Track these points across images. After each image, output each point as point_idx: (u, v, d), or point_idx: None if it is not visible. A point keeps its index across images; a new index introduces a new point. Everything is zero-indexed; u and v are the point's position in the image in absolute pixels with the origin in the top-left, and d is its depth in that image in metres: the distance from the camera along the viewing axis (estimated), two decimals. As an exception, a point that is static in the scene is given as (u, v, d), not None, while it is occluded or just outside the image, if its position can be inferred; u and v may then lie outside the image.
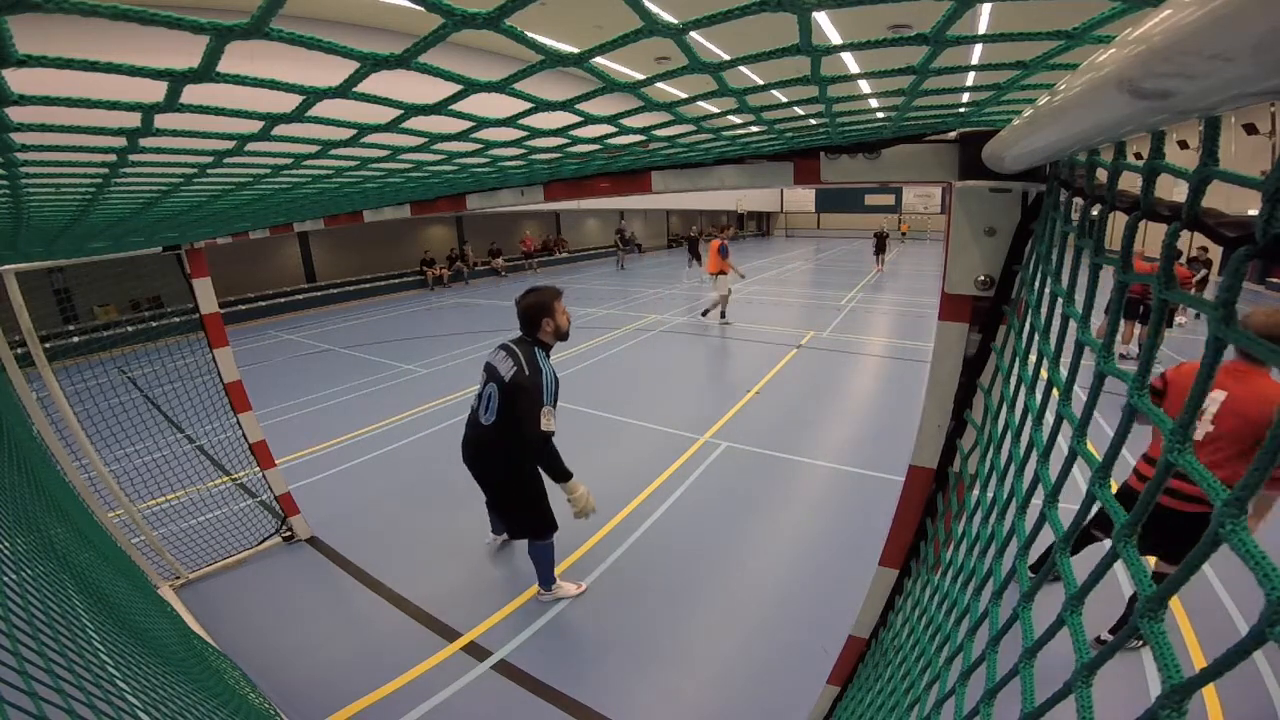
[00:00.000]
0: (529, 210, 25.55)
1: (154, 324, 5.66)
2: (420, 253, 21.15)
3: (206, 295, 4.32)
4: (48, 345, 3.87)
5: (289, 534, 4.91)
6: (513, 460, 3.63)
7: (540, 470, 3.65)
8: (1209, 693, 3.06)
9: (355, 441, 7.06)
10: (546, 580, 4.07)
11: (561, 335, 3.67)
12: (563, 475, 3.53)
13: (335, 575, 4.48)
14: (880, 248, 22.23)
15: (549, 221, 27.72)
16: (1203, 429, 2.86)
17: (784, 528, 4.96)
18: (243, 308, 15.37)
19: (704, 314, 13.49)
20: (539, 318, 3.56)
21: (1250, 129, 16.26)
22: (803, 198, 42.04)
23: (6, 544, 1.51)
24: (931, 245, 34.83)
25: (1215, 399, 2.84)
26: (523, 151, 1.20)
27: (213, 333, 4.42)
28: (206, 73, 0.48)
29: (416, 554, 4.72)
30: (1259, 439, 2.72)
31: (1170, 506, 2.91)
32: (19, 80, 0.47)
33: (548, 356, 3.53)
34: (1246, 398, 2.77)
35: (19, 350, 3.64)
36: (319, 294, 17.76)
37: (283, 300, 16.74)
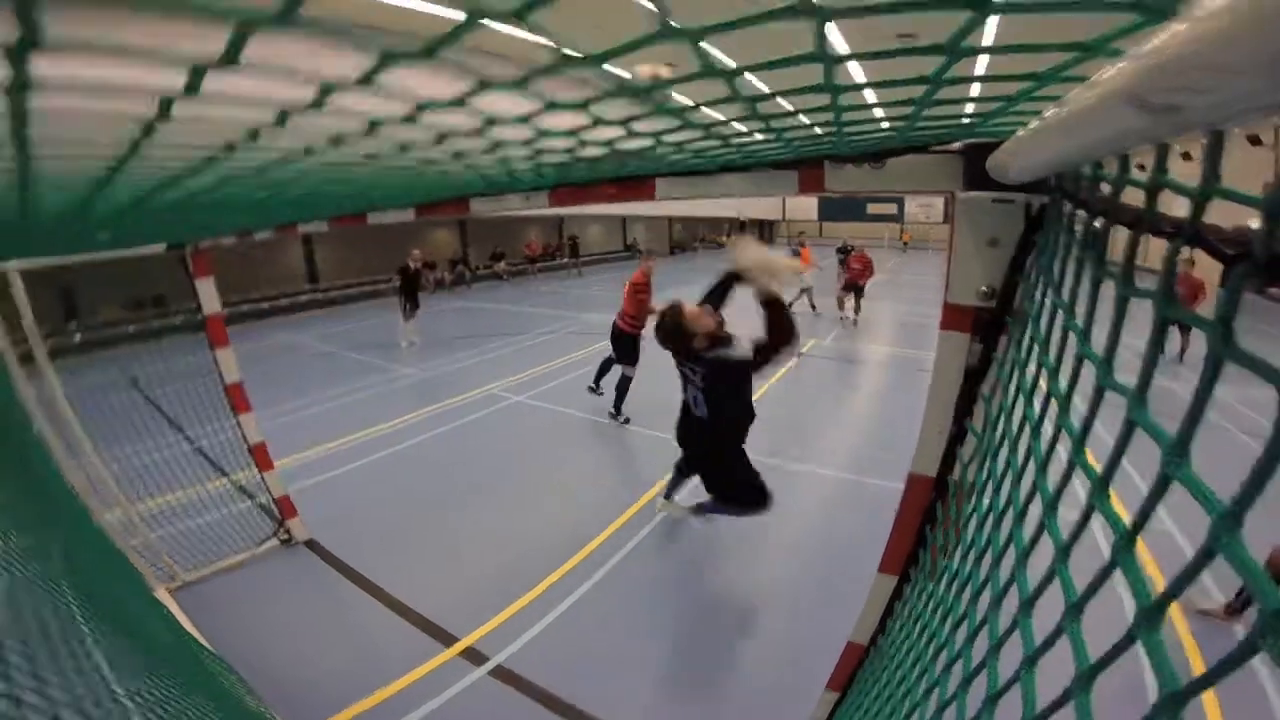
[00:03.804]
0: (532, 215, 25.56)
1: (156, 324, 5.66)
2: (423, 256, 21.14)
3: (209, 296, 4.33)
4: (49, 343, 3.87)
5: (287, 537, 4.90)
6: (729, 443, 4.10)
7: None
8: (1209, 700, 3.05)
9: (354, 444, 7.05)
10: (702, 511, 4.63)
11: (712, 332, 3.75)
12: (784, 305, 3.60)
13: (333, 579, 4.47)
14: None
15: (552, 227, 27.74)
16: None
17: (784, 534, 4.95)
18: (245, 308, 15.37)
19: (814, 308, 15.34)
20: (688, 336, 3.73)
21: (1254, 141, 16.31)
22: (805, 206, 42.00)
23: (1, 543, 1.51)
24: (934, 255, 34.84)
25: None
26: (532, 153, 1.21)
27: (214, 333, 4.42)
28: (228, 61, 0.48)
29: (414, 558, 4.72)
30: None
31: None
32: (45, 66, 0.48)
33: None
34: None
35: (21, 348, 3.64)
36: (321, 296, 17.77)
37: (285, 302, 16.75)
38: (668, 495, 4.92)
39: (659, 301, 7.49)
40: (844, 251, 22.84)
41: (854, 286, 14.12)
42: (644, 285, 7.35)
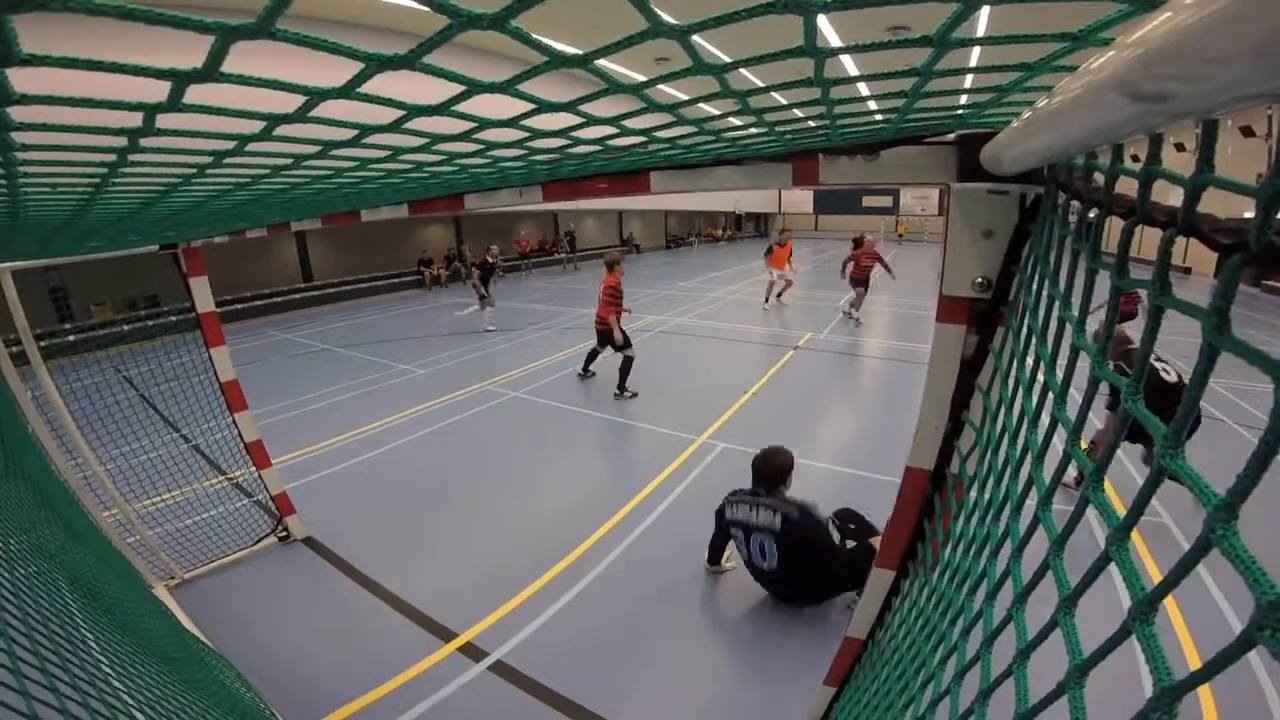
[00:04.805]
0: (528, 210, 25.49)
1: (150, 323, 5.64)
2: (418, 253, 21.11)
3: (203, 294, 4.31)
4: (43, 344, 3.86)
5: (285, 534, 4.89)
6: (819, 576, 3.87)
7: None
8: (1205, 695, 3.07)
9: (351, 441, 7.04)
10: None
11: (789, 486, 4.11)
12: None
13: (331, 575, 4.47)
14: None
15: (547, 222, 27.67)
16: None
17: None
18: (239, 307, 15.31)
19: (772, 297, 15.47)
20: (783, 475, 4.05)
21: (1247, 132, 16.32)
22: (800, 199, 41.98)
23: (0, 543, 1.51)
24: (929, 247, 34.86)
25: None
26: (524, 152, 1.20)
27: (209, 331, 4.41)
28: (210, 73, 0.48)
29: (412, 554, 4.72)
30: None
31: None
32: (22, 79, 0.47)
33: None
34: None
35: (14, 349, 3.63)
36: (316, 293, 17.71)
37: (279, 300, 16.68)
38: None
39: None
40: (858, 244, 22.78)
41: (864, 280, 13.26)
42: (618, 290, 8.46)
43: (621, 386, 8.50)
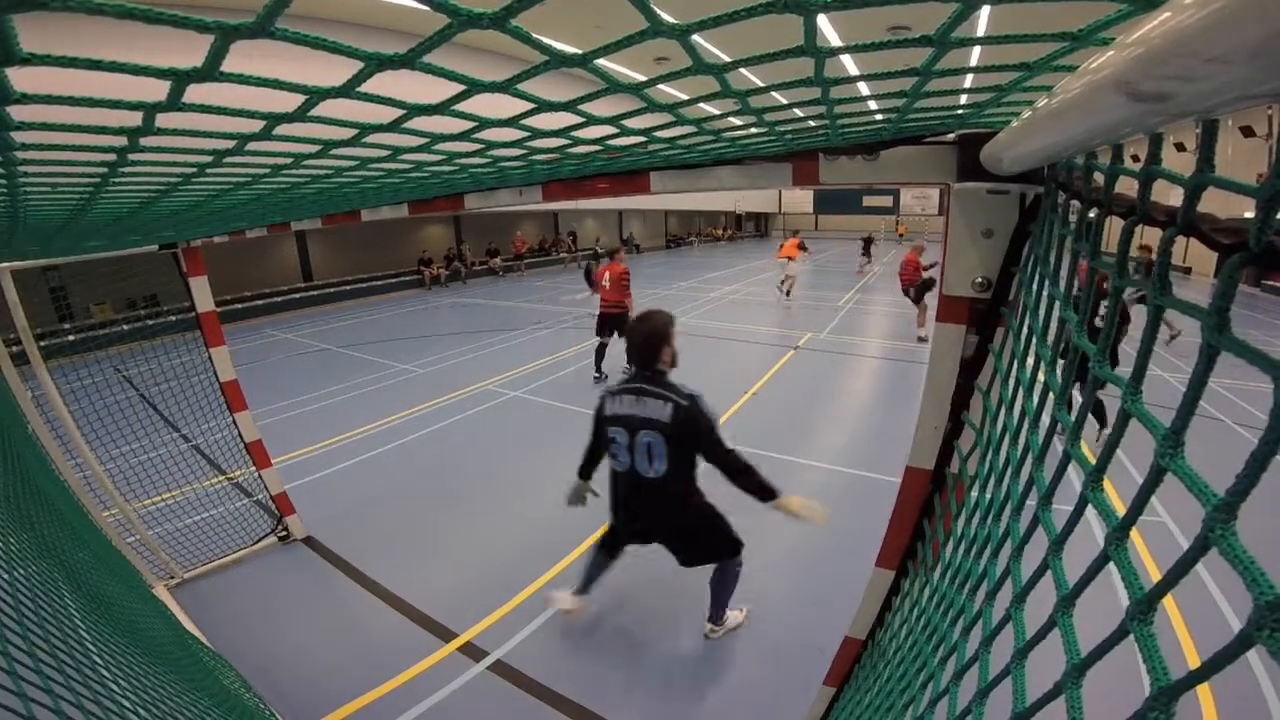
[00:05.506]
0: (527, 210, 25.51)
1: (150, 322, 5.63)
2: (418, 252, 21.13)
3: (203, 294, 4.31)
4: (43, 343, 3.86)
5: (285, 534, 4.89)
6: (692, 497, 3.42)
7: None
8: (1204, 694, 3.07)
9: (351, 441, 7.05)
10: (720, 611, 3.68)
11: (675, 363, 3.30)
12: (771, 492, 3.22)
13: (331, 575, 4.47)
14: (866, 250, 23.58)
15: (548, 222, 27.67)
16: None
17: (781, 528, 4.93)
18: (239, 307, 15.31)
19: (787, 294, 15.76)
20: (659, 346, 3.20)
21: (1247, 131, 16.33)
22: (801, 199, 42.07)
23: (0, 542, 1.51)
24: (929, 247, 34.79)
25: None
26: (524, 152, 1.20)
27: (209, 331, 4.41)
28: (210, 72, 0.48)
29: (412, 554, 4.71)
30: None
31: None
32: (22, 79, 0.47)
33: None
34: None
35: (14, 348, 3.63)
36: (316, 293, 17.72)
37: (279, 299, 16.69)
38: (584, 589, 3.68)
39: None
40: (867, 244, 22.57)
41: (925, 285, 11.59)
42: (627, 275, 8.72)
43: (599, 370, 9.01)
